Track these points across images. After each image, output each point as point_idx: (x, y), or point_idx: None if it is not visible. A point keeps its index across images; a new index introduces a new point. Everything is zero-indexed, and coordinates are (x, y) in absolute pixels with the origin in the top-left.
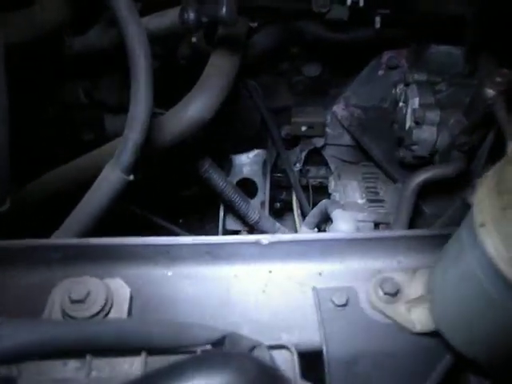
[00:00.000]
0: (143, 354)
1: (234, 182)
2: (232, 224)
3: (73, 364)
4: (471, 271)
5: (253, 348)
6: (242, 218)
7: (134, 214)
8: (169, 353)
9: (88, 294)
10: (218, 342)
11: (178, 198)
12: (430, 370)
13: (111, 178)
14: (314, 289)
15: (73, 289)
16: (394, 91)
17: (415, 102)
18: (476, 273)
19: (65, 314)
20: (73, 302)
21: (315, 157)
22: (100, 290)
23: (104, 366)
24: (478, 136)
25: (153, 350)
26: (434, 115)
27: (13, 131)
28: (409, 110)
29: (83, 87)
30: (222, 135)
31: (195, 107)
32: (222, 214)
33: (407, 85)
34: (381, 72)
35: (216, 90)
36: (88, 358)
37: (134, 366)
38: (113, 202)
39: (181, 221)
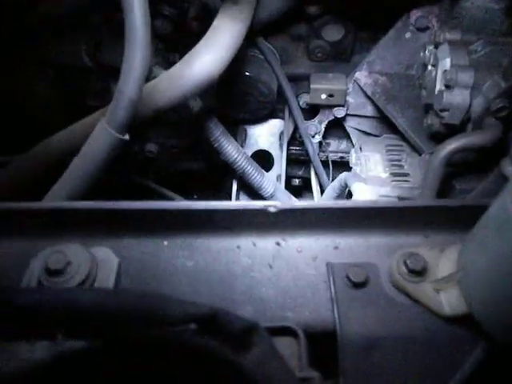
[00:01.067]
0: (59, 337)
1: (249, 154)
2: (246, 198)
3: (41, 344)
4: None
5: (248, 331)
6: (256, 192)
7: (134, 184)
8: (141, 331)
9: (68, 263)
10: (204, 321)
11: (189, 170)
12: (461, 359)
13: (103, 137)
14: (328, 264)
15: (51, 258)
16: (422, 54)
17: (446, 62)
18: None
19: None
20: (50, 272)
21: (336, 128)
22: (83, 260)
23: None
24: None
25: (128, 328)
26: (467, 77)
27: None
28: (439, 73)
29: (86, 48)
30: (236, 103)
31: (201, 63)
32: (235, 186)
33: (437, 45)
34: (408, 34)
35: (224, 44)
36: (60, 337)
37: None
38: (106, 163)
39: (195, 196)
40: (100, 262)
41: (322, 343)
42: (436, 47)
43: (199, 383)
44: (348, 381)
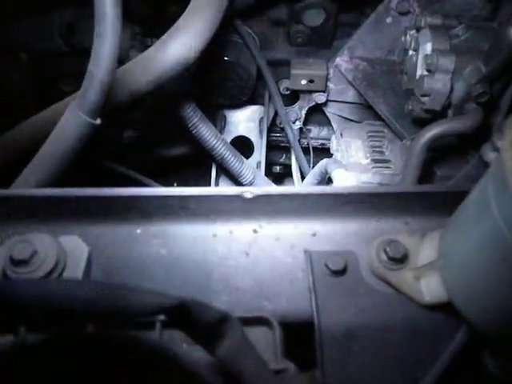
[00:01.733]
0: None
1: (229, 140)
2: (225, 185)
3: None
4: (497, 230)
5: (220, 322)
6: (235, 179)
7: (112, 172)
8: (110, 324)
9: (34, 253)
10: (174, 313)
11: (169, 157)
12: (441, 347)
13: (74, 121)
14: (306, 252)
15: (16, 248)
16: (403, 39)
17: (427, 47)
18: (503, 232)
19: (6, 277)
20: (15, 262)
21: (316, 115)
22: (50, 250)
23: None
24: (497, 86)
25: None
26: (448, 62)
27: None
28: (420, 57)
29: (59, 31)
30: (215, 88)
31: (175, 46)
32: (213, 173)
33: (419, 30)
34: (389, 19)
35: (199, 27)
36: (22, 330)
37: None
38: (77, 149)
39: (175, 184)
40: (69, 250)
41: (300, 333)
42: (417, 32)
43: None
44: (326, 371)
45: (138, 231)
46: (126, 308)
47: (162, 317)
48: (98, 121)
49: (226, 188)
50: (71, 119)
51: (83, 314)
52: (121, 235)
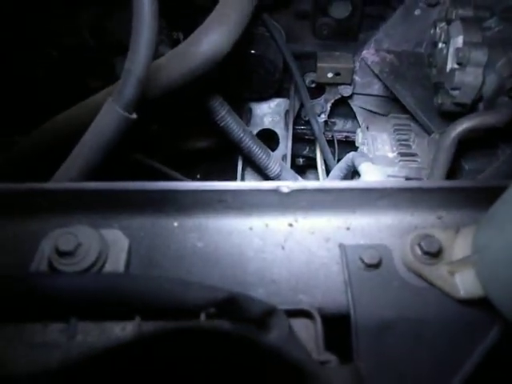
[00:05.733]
0: (137, 319)
1: (254, 133)
2: (251, 178)
3: (55, 326)
4: None
5: (267, 314)
6: (261, 172)
7: (140, 164)
8: (165, 317)
9: (78, 245)
10: (223, 306)
11: (194, 150)
12: (476, 342)
13: (111, 116)
14: (341, 245)
15: (61, 240)
16: (432, 31)
17: (459, 40)
18: None
19: (52, 267)
20: (61, 254)
21: (342, 107)
22: (93, 242)
23: (92, 329)
24: None
25: (148, 312)
26: (480, 55)
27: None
28: (451, 50)
29: (88, 26)
30: (241, 81)
31: (209, 41)
32: (240, 166)
33: (449, 22)
34: (418, 11)
35: (232, 21)
36: (73, 320)
37: (126, 329)
38: (114, 143)
39: (198, 176)
40: (110, 243)
41: (335, 326)
42: (448, 24)
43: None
44: (362, 363)
45: (175, 224)
46: (185, 301)
47: (212, 309)
48: (135, 115)
49: (262, 182)
50: (109, 114)
51: (140, 308)
52: (158, 228)
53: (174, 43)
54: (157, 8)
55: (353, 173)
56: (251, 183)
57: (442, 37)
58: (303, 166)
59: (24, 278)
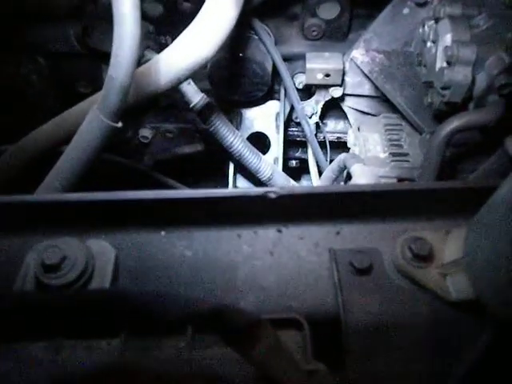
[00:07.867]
0: (123, 334)
1: (245, 136)
2: (243, 182)
3: (40, 343)
4: None
5: (253, 325)
6: (253, 175)
7: (130, 170)
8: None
9: (64, 258)
10: (208, 318)
11: (185, 155)
12: (467, 345)
13: (96, 125)
14: (330, 250)
15: (46, 253)
16: (421, 30)
17: (447, 38)
18: None
19: (38, 281)
20: (46, 268)
21: (333, 109)
22: (79, 254)
23: (77, 345)
24: None
25: (133, 327)
26: (469, 53)
27: None
28: (439, 49)
29: (75, 33)
30: (230, 85)
31: (192, 46)
32: (231, 170)
33: (438, 20)
34: (406, 10)
35: (216, 26)
36: (58, 337)
37: (111, 345)
38: (99, 152)
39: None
40: (97, 254)
41: (326, 333)
42: (436, 22)
43: None
44: (353, 369)
45: (163, 233)
46: (166, 314)
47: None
48: (120, 124)
49: (249, 188)
50: (93, 123)
51: (124, 323)
52: (146, 238)
53: (162, 48)
54: (139, 14)
55: (345, 174)
56: (238, 190)
57: (431, 35)
58: (295, 169)
59: (8, 295)
